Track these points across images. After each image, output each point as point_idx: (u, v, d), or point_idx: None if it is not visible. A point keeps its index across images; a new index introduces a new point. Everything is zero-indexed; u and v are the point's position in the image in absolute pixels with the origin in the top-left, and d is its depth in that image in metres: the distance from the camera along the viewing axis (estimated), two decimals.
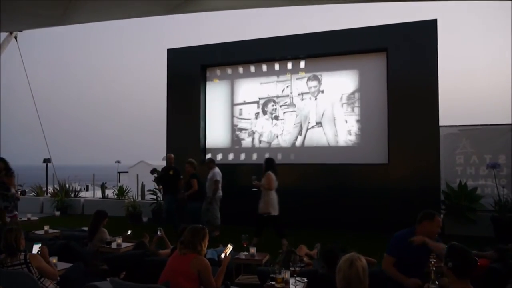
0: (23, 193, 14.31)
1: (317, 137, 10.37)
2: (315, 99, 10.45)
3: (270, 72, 10.91)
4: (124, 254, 5.41)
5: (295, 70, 10.66)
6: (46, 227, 7.23)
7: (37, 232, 7.20)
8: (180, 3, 6.17)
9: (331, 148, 10.19)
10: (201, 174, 9.09)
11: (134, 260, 4.85)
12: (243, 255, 5.44)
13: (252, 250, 5.42)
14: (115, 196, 13.00)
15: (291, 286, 4.06)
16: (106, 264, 5.11)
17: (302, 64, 10.56)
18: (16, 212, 7.46)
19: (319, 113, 10.37)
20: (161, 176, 9.41)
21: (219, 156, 11.20)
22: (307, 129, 10.49)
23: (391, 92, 9.37)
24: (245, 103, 11.17)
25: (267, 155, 10.49)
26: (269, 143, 10.86)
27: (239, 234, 5.66)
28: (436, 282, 3.28)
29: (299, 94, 10.63)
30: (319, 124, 10.37)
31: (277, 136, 10.80)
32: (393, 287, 3.87)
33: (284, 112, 10.74)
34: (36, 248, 4.14)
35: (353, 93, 10.06)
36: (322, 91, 10.39)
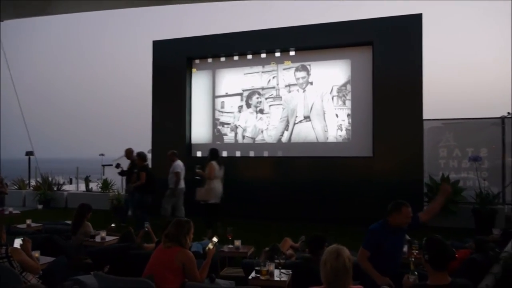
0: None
1: (305, 132, 10.08)
2: (303, 91, 10.12)
3: (255, 62, 10.58)
4: (108, 247, 5.38)
5: (282, 60, 10.39)
6: (28, 221, 7.14)
7: (19, 226, 7.10)
8: None
9: (319, 144, 9.97)
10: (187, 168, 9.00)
11: (118, 253, 4.82)
12: (228, 248, 5.45)
13: (237, 243, 5.44)
14: (100, 189, 12.87)
15: (276, 278, 4.10)
16: (89, 258, 5.06)
17: (290, 54, 10.34)
18: (3, 208, 7.33)
19: (308, 106, 10.06)
20: (124, 171, 9.44)
21: (199, 154, 10.94)
22: (295, 123, 10.18)
23: (376, 86, 9.42)
24: (227, 95, 10.81)
25: (252, 153, 10.50)
26: (253, 138, 10.54)
27: (224, 227, 5.66)
28: (416, 273, 3.34)
29: (286, 86, 10.28)
30: (307, 118, 10.07)
31: (262, 131, 10.46)
32: (369, 279, 3.92)
33: (270, 105, 10.41)
34: (17, 242, 4.08)
35: (344, 85, 9.84)
36: (311, 83, 10.08)
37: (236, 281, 4.55)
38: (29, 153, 14.81)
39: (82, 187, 14.41)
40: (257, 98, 10.52)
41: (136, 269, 3.79)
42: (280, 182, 9.90)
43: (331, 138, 9.91)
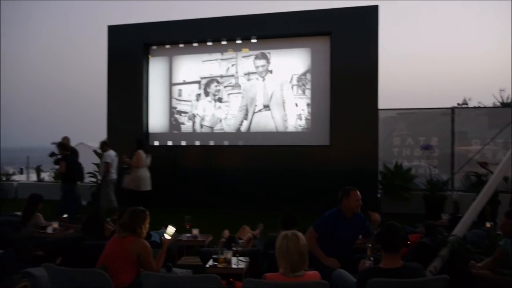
0: None
1: (265, 121, 10.01)
2: (263, 79, 10.03)
3: (214, 49, 10.38)
4: (60, 238, 5.20)
5: (241, 47, 10.25)
6: None
7: None
8: None
9: (279, 133, 9.95)
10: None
11: (71, 244, 4.67)
12: (185, 236, 5.41)
13: (195, 231, 5.40)
14: (52, 179, 12.43)
15: (233, 265, 4.11)
16: (41, 250, 4.88)
17: (251, 41, 10.21)
18: None
19: (267, 95, 9.98)
20: (58, 159, 9.18)
21: (156, 143, 10.72)
22: (254, 112, 10.09)
23: (334, 76, 9.55)
24: (185, 83, 10.54)
25: (212, 143, 10.39)
26: (212, 127, 10.38)
27: (181, 216, 5.61)
28: (371, 258, 3.45)
29: (245, 74, 10.16)
30: (267, 107, 10.00)
31: (220, 120, 10.31)
32: (321, 265, 4.03)
33: (229, 94, 10.26)
34: None
35: (304, 74, 9.84)
36: (271, 71, 10.00)
37: (193, 269, 4.52)
38: None
39: (34, 177, 13.87)
40: (216, 86, 10.35)
41: (91, 260, 3.68)
42: (238, 171, 9.89)
43: (291, 128, 9.93)
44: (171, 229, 3.96)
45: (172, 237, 3.92)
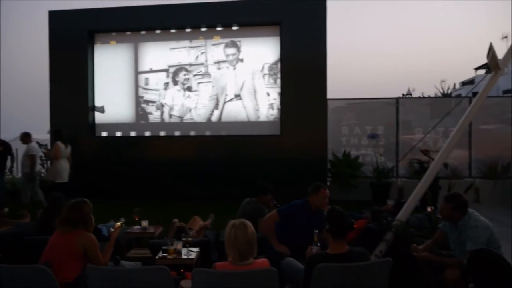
0: None
1: (236, 111, 9.86)
2: (234, 68, 9.83)
3: (182, 36, 10.04)
4: (0, 234, 4.93)
5: (211, 35, 9.98)
6: None
7: None
8: None
9: (250, 123, 9.86)
10: (86, 151, 8.55)
11: (12, 240, 4.46)
12: (135, 229, 5.29)
13: (144, 223, 5.30)
14: None
15: (183, 256, 4.08)
16: None
17: (217, 29, 9.98)
18: None
19: (238, 84, 9.81)
20: None
21: (118, 133, 10.36)
22: (225, 102, 9.90)
23: (284, 66, 9.61)
24: (152, 71, 10.13)
25: (177, 133, 10.17)
26: (181, 117, 10.08)
27: (131, 209, 5.49)
28: (318, 244, 3.53)
29: (215, 63, 9.89)
30: (238, 96, 9.84)
31: (190, 110, 10.03)
32: (274, 252, 4.11)
33: (198, 83, 9.97)
34: None
35: (275, 63, 9.78)
36: (241, 60, 9.81)
37: (143, 262, 4.45)
38: None
39: None
40: (185, 74, 10.02)
41: (34, 256, 3.53)
42: (188, 162, 9.77)
43: (262, 117, 9.86)
44: (118, 222, 3.88)
45: (117, 229, 3.83)
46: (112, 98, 10.42)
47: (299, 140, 9.45)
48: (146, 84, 10.21)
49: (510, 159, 9.36)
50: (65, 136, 8.17)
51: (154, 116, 10.26)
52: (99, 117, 10.51)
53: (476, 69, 36.00)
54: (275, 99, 9.83)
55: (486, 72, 6.35)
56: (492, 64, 5.09)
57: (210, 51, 10.00)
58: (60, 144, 7.85)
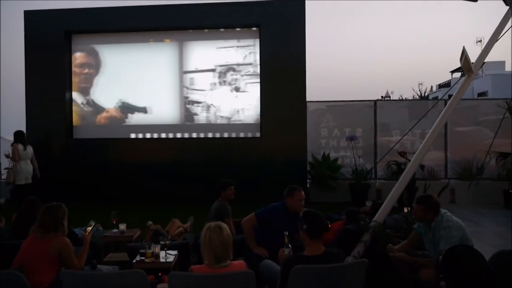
0: None
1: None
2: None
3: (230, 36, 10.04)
4: None
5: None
6: None
7: None
8: None
9: (214, 125, 9.98)
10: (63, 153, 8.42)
11: None
12: (112, 232, 5.23)
13: (122, 226, 5.23)
14: None
15: (161, 259, 4.05)
16: None
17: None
18: None
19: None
20: None
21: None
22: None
23: (263, 69, 9.64)
24: (197, 71, 10.10)
25: (155, 135, 10.14)
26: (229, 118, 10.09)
27: (108, 212, 5.42)
28: (289, 245, 3.54)
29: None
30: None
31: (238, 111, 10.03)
32: (253, 255, 4.12)
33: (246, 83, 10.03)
34: None
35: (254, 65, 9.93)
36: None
37: (120, 266, 4.41)
38: None
39: None
40: (232, 75, 10.04)
41: (9, 262, 3.45)
42: (166, 165, 9.69)
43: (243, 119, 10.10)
44: (91, 224, 3.84)
45: (90, 232, 3.77)
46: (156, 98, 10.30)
47: (279, 142, 9.47)
48: (192, 84, 10.17)
49: (484, 160, 9.58)
50: (27, 138, 8.31)
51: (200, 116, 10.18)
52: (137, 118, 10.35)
53: (452, 72, 36.79)
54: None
55: (461, 75, 6.51)
56: (465, 68, 5.20)
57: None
58: (18, 145, 7.92)
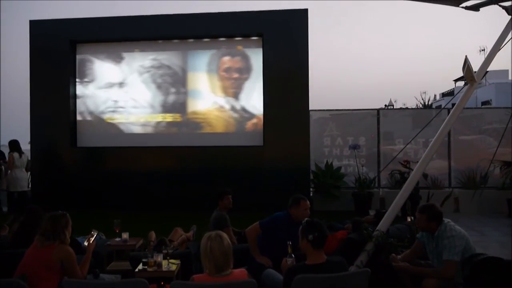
0: None
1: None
2: None
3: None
4: None
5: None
6: None
7: None
8: None
9: (232, 134, 10.04)
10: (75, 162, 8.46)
11: None
12: (115, 241, 5.22)
13: (125, 235, 5.23)
14: None
15: (164, 268, 4.04)
16: None
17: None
18: None
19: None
20: None
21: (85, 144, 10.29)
22: None
23: (266, 77, 9.66)
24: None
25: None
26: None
27: (111, 220, 5.42)
28: (293, 255, 3.53)
29: None
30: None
31: None
32: (255, 263, 4.12)
33: None
34: None
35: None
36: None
37: (123, 275, 4.40)
38: None
39: None
40: None
41: (11, 271, 3.46)
42: (170, 173, 9.71)
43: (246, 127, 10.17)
44: (93, 233, 3.84)
45: (92, 241, 3.78)
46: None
47: (282, 151, 9.47)
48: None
49: (488, 169, 9.55)
50: (21, 147, 8.72)
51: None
52: None
53: (455, 81, 36.79)
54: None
55: (464, 84, 6.50)
56: (467, 77, 5.20)
57: None
58: (14, 154, 8.13)
